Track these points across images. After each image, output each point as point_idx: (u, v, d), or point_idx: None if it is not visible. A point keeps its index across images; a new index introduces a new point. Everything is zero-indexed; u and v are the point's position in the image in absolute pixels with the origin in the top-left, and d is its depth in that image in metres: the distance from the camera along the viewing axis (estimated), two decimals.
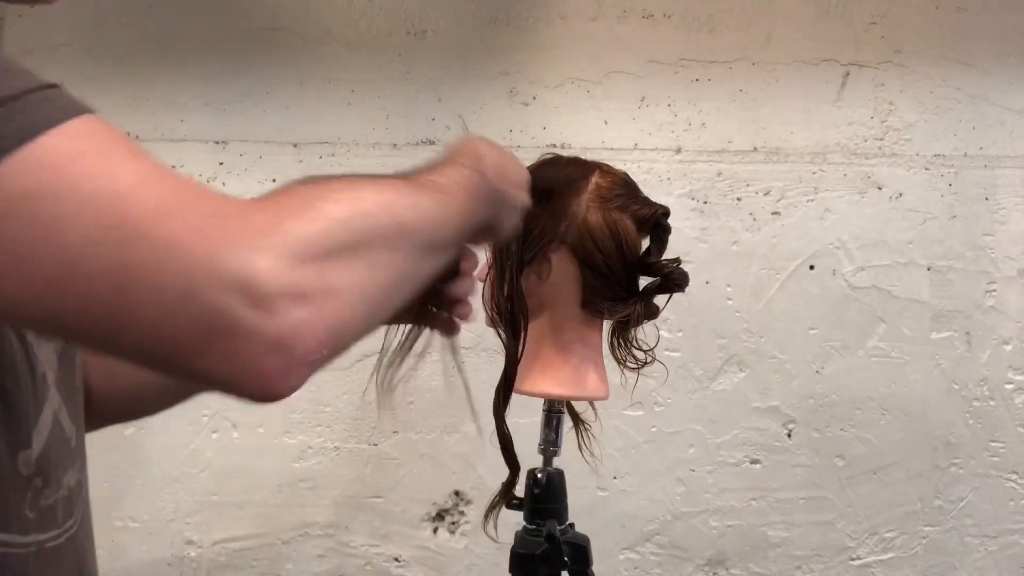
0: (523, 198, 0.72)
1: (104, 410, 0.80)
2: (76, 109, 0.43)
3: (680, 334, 1.48)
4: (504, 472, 0.92)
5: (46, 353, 0.61)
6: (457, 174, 0.60)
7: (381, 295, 0.49)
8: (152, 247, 0.40)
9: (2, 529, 0.55)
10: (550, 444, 0.94)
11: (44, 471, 0.59)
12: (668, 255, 0.92)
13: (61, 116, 0.42)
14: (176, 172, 0.45)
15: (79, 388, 0.69)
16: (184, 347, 0.42)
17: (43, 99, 0.42)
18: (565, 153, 0.96)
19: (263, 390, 0.44)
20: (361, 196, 0.49)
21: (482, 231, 0.67)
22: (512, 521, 0.96)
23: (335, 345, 0.46)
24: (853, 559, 1.51)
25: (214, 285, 0.41)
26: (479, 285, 0.84)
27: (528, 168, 0.89)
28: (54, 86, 0.44)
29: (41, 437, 0.59)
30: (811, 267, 1.49)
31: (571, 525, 0.96)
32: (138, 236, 0.40)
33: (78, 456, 0.66)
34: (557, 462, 0.96)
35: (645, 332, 0.94)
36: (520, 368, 0.89)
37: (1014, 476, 1.50)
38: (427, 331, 0.84)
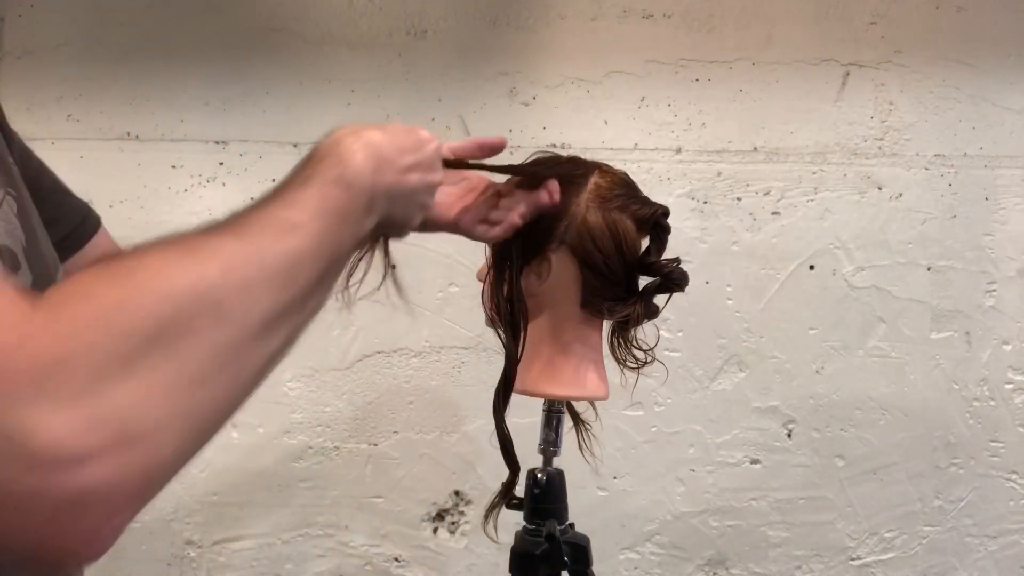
0: (420, 178, 0.63)
1: None
2: None
3: (680, 334, 1.48)
4: (504, 472, 0.92)
5: None
6: (312, 196, 0.51)
7: (208, 411, 0.41)
8: None
9: None
10: (550, 444, 0.94)
11: None
12: (668, 255, 0.91)
13: None
14: None
15: None
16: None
17: None
18: (565, 153, 0.95)
19: (55, 562, 0.36)
20: (172, 287, 0.39)
21: (379, 231, 0.60)
22: (512, 521, 0.96)
23: (143, 499, 0.38)
24: (853, 559, 1.51)
25: None
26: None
27: (523, 164, 0.89)
28: None
29: None
30: (811, 267, 1.49)
31: (571, 525, 0.96)
32: None
33: None
34: (557, 462, 0.96)
35: (645, 332, 0.94)
36: (520, 368, 0.89)
37: (1014, 476, 1.50)
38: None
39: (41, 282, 0.63)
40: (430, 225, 0.81)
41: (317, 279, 0.49)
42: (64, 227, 0.76)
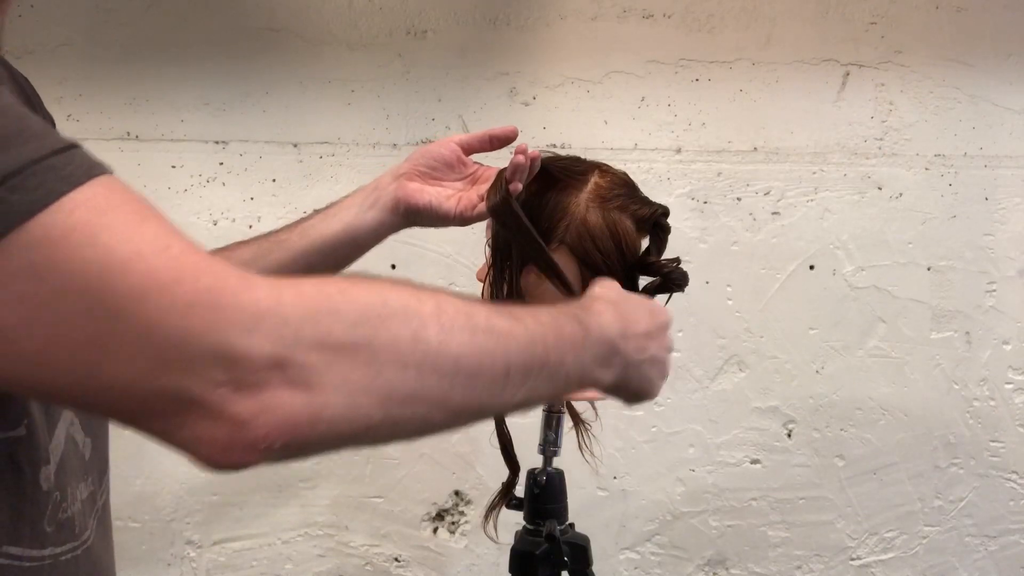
0: (656, 347, 0.66)
1: None
2: (76, 179, 0.42)
3: (680, 334, 1.48)
4: (504, 472, 0.92)
5: None
6: (547, 316, 0.55)
7: (379, 409, 0.45)
8: (131, 327, 0.40)
9: (16, 543, 0.56)
10: (550, 444, 0.94)
11: (61, 485, 0.60)
12: (668, 255, 0.91)
13: (59, 190, 0.41)
14: (185, 241, 0.44)
15: None
16: (147, 417, 0.43)
17: (47, 169, 0.42)
18: (565, 153, 0.95)
19: (215, 459, 0.43)
20: (387, 300, 0.46)
21: (606, 389, 0.63)
22: (512, 521, 0.96)
23: (302, 439, 0.44)
24: (853, 559, 1.51)
25: (187, 365, 0.41)
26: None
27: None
28: (66, 149, 0.43)
29: (57, 452, 0.60)
30: (811, 267, 1.49)
31: (571, 525, 0.96)
32: (118, 314, 0.40)
33: (93, 468, 0.66)
34: (557, 462, 0.96)
35: None
36: None
37: (1014, 476, 1.50)
38: None
39: None
40: (443, 220, 0.85)
41: (518, 375, 0.52)
42: None
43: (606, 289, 0.65)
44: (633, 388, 0.65)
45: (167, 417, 0.42)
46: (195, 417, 0.42)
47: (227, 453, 0.43)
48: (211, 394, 0.41)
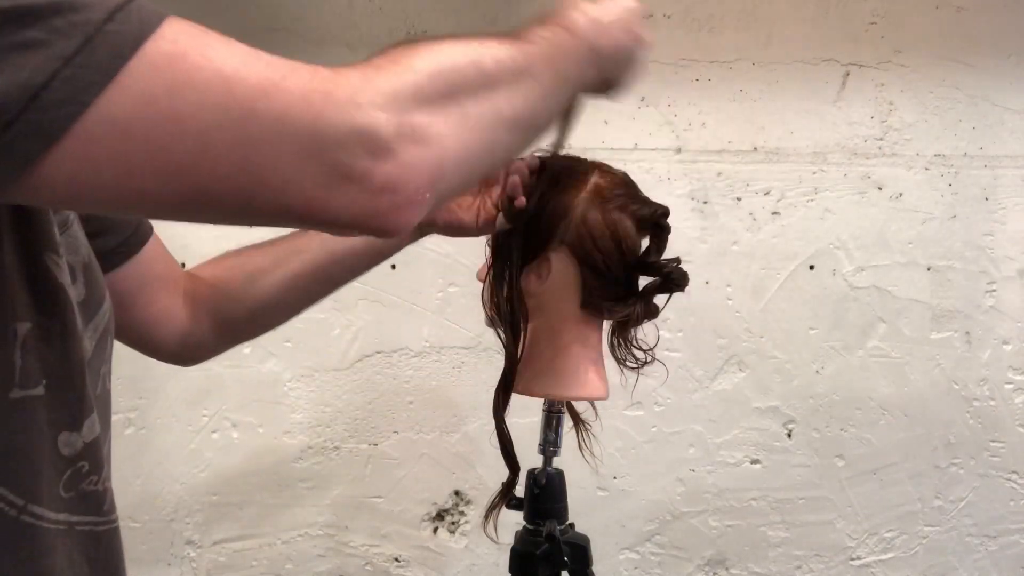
0: (630, 40, 0.71)
1: (177, 355, 0.88)
2: (161, 15, 0.47)
3: (680, 334, 1.48)
4: (504, 472, 0.92)
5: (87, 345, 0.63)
6: (546, 32, 0.63)
7: (477, 141, 0.54)
8: (265, 122, 0.46)
9: (34, 501, 0.57)
10: (550, 444, 0.94)
11: (94, 458, 0.62)
12: (668, 255, 0.91)
13: (155, 22, 0.45)
14: (264, 52, 0.49)
15: (103, 396, 0.70)
16: (310, 201, 0.48)
17: (138, 9, 0.45)
18: (565, 153, 0.95)
19: (384, 226, 0.50)
20: (446, 52, 0.54)
21: (594, 85, 0.69)
22: (512, 521, 0.96)
23: (438, 184, 0.51)
24: (853, 559, 1.51)
25: (325, 144, 0.47)
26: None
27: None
28: None
29: (93, 428, 0.61)
30: (811, 267, 1.49)
31: (571, 525, 0.96)
32: (250, 113, 0.45)
33: (103, 455, 0.67)
34: (557, 462, 0.96)
35: (645, 332, 0.94)
36: (520, 368, 0.89)
37: (1014, 476, 1.50)
38: None
39: (92, 301, 0.66)
40: (448, 229, 0.88)
41: (550, 82, 0.61)
42: (121, 233, 0.80)
43: (571, 5, 0.70)
44: (609, 82, 0.72)
45: (328, 198, 0.48)
46: (352, 190, 0.48)
47: (393, 215, 0.50)
48: (356, 166, 0.47)
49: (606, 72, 0.69)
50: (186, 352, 0.91)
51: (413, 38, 0.55)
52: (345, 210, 0.49)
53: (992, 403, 1.49)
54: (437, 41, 0.55)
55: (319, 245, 0.88)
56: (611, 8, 0.70)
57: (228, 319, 0.89)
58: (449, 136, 0.51)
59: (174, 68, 0.45)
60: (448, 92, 0.52)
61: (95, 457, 0.62)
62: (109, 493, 0.64)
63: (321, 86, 0.47)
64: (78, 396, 0.60)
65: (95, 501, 0.62)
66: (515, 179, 0.84)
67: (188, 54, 0.45)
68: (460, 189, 0.56)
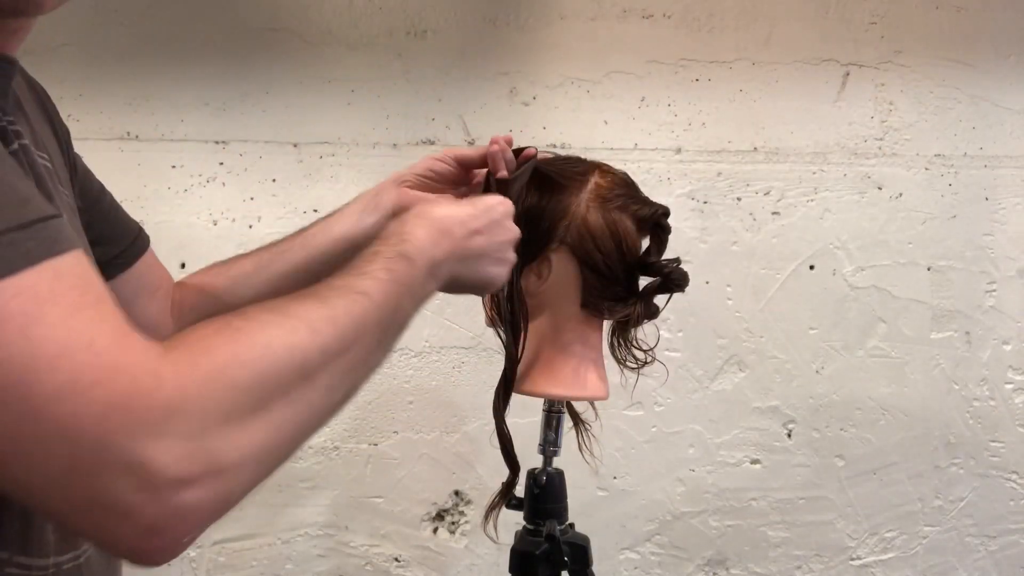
0: (486, 240, 0.71)
1: None
2: (32, 258, 0.42)
3: (680, 334, 1.48)
4: (504, 472, 0.92)
5: None
6: (379, 269, 0.59)
7: (281, 450, 0.50)
8: (46, 428, 0.41)
9: (25, 553, 0.56)
10: (550, 444, 0.94)
11: None
12: (668, 255, 0.92)
13: (15, 265, 0.41)
14: (108, 330, 0.44)
15: None
16: (69, 515, 0.44)
17: (6, 244, 0.42)
18: (565, 153, 0.95)
19: (139, 561, 0.45)
20: (270, 351, 0.48)
21: (456, 290, 0.69)
22: (512, 521, 0.96)
23: (216, 517, 0.47)
24: (853, 559, 1.51)
25: (99, 468, 0.42)
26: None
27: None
28: (34, 223, 0.43)
29: None
30: (811, 267, 1.49)
31: (571, 525, 0.96)
32: (36, 414, 0.41)
33: None
34: (557, 462, 0.96)
35: (645, 332, 0.94)
36: (520, 368, 0.89)
37: (1014, 476, 1.50)
38: None
39: None
40: None
41: (380, 338, 0.58)
42: (118, 245, 0.81)
43: (422, 208, 0.69)
44: (468, 285, 0.71)
45: (86, 522, 0.43)
46: (115, 521, 0.43)
47: (149, 555, 0.45)
48: (124, 501, 0.42)
49: (457, 279, 0.69)
50: None
51: (242, 313, 0.50)
52: (99, 535, 0.45)
53: (992, 403, 1.49)
54: (263, 325, 0.50)
55: (300, 245, 0.88)
56: (465, 211, 0.70)
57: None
58: (250, 460, 0.47)
59: None
60: (264, 404, 0.47)
61: None
62: None
63: (128, 402, 0.42)
64: None
65: (72, 537, 0.61)
66: (493, 148, 0.83)
67: (6, 324, 0.40)
68: (256, 487, 0.50)
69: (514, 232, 0.76)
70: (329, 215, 0.90)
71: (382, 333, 0.57)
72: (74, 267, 0.44)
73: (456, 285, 0.70)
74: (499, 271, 0.74)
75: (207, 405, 0.45)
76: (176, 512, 0.44)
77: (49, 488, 0.42)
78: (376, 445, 1.49)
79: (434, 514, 1.50)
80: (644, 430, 1.49)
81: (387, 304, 0.58)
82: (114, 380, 0.42)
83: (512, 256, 0.76)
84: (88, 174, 0.80)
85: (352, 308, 0.55)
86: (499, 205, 0.74)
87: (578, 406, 1.00)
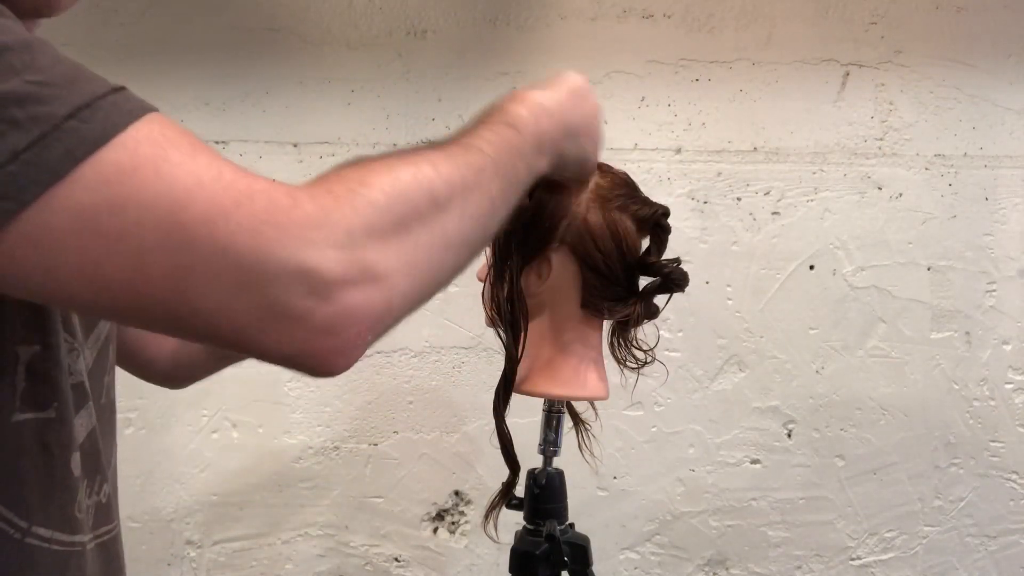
0: (580, 118, 0.72)
1: (168, 375, 0.88)
2: (136, 114, 0.45)
3: (680, 334, 1.48)
4: (504, 472, 0.92)
5: (81, 365, 0.62)
6: (489, 132, 0.62)
7: (427, 271, 0.52)
8: (206, 250, 0.44)
9: (45, 524, 0.57)
10: (550, 444, 0.94)
11: (90, 472, 0.61)
12: (668, 255, 0.92)
13: (122, 123, 0.44)
14: (230, 165, 0.47)
15: (107, 405, 0.69)
16: (243, 333, 0.46)
17: (110, 105, 0.44)
18: None
19: (320, 368, 0.48)
20: (399, 179, 0.51)
21: (563, 171, 0.71)
22: (512, 521, 0.96)
23: (384, 325, 0.50)
24: (853, 559, 1.51)
25: (267, 279, 0.44)
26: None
27: None
28: (119, 89, 0.46)
29: (79, 439, 0.61)
30: (811, 267, 1.49)
31: (571, 525, 0.96)
32: (193, 240, 0.43)
33: (108, 466, 0.67)
34: (557, 462, 0.96)
35: (645, 332, 0.94)
36: (520, 368, 0.89)
37: (1014, 476, 1.50)
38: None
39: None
40: None
41: (501, 188, 0.59)
42: None
43: (517, 93, 0.70)
44: (573, 162, 0.73)
45: (262, 333, 0.46)
46: (289, 329, 0.46)
47: (330, 358, 0.47)
48: (297, 306, 0.45)
49: (562, 156, 0.70)
50: (179, 372, 0.91)
51: (362, 158, 0.53)
52: (278, 347, 0.47)
53: (992, 403, 1.49)
54: (387, 163, 0.53)
55: None
56: (555, 91, 0.71)
57: None
58: (400, 271, 0.49)
59: (123, 183, 0.43)
60: (401, 223, 0.50)
61: (90, 470, 0.61)
62: (96, 507, 0.64)
63: (274, 218, 0.45)
64: (73, 415, 0.60)
65: (105, 513, 0.63)
66: None
67: (142, 168, 0.43)
68: (407, 316, 0.53)
69: (595, 105, 0.76)
70: None
71: (502, 182, 0.59)
72: (170, 121, 0.47)
73: (562, 163, 0.70)
74: (595, 148, 0.75)
75: (348, 218, 0.47)
76: (345, 311, 0.46)
77: (226, 311, 0.45)
78: (376, 445, 1.49)
79: (434, 514, 1.50)
80: (644, 430, 1.49)
81: (501, 159, 0.60)
82: (253, 201, 0.45)
83: (598, 132, 0.76)
84: None
85: (470, 157, 0.57)
86: (580, 81, 0.75)
87: (578, 406, 1.00)
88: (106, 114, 0.43)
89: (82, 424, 0.62)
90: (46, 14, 0.58)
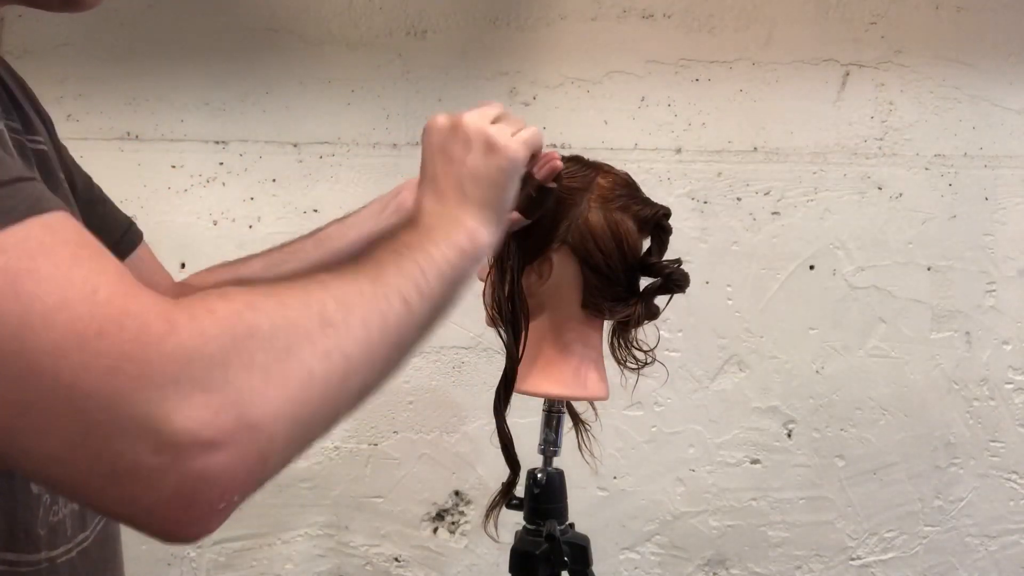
0: (461, 149, 0.66)
1: None
2: (16, 215, 0.39)
3: (680, 334, 1.48)
4: (504, 472, 0.92)
5: None
6: (382, 243, 0.56)
7: (321, 405, 0.45)
8: (47, 386, 0.37)
9: (12, 549, 0.55)
10: (550, 444, 0.94)
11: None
12: (668, 255, 0.92)
13: (4, 221, 0.38)
14: (114, 280, 0.40)
15: None
16: (81, 487, 0.40)
17: None
18: (565, 153, 0.95)
19: (170, 536, 0.41)
20: (285, 303, 0.45)
21: (491, 209, 0.64)
22: (512, 521, 0.96)
23: (255, 481, 0.42)
24: (853, 559, 1.51)
25: (114, 429, 0.38)
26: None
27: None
28: (12, 183, 0.40)
29: None
30: (811, 267, 1.49)
31: (571, 525, 0.96)
32: (33, 373, 0.37)
33: None
34: (557, 462, 0.96)
35: (645, 332, 0.94)
36: (520, 368, 0.89)
37: (1014, 476, 1.50)
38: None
39: None
40: None
41: (416, 288, 0.53)
42: (109, 236, 0.77)
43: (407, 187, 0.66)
44: (494, 185, 0.65)
45: (103, 491, 0.39)
46: (133, 490, 0.39)
47: (182, 527, 0.40)
48: (146, 464, 0.38)
49: (476, 185, 0.64)
50: None
51: (248, 280, 0.48)
52: (118, 508, 0.40)
53: (992, 403, 1.49)
54: (274, 288, 0.47)
55: (314, 245, 0.85)
56: (424, 160, 0.65)
57: None
58: (282, 416, 0.42)
59: None
60: (288, 352, 0.43)
61: None
62: (69, 516, 0.61)
63: (140, 352, 0.38)
64: None
65: (62, 530, 0.60)
66: (556, 164, 0.79)
67: (2, 275, 0.37)
68: (291, 462, 0.45)
69: (444, 122, 0.68)
70: (345, 216, 0.88)
71: (416, 277, 0.53)
72: (65, 223, 0.41)
73: (490, 197, 0.64)
74: (498, 151, 0.66)
75: (226, 350, 0.40)
76: (203, 476, 0.39)
77: (62, 459, 0.38)
78: (376, 445, 1.49)
79: (434, 514, 1.50)
80: (644, 430, 1.49)
81: (403, 256, 0.54)
82: (122, 328, 0.38)
83: (494, 139, 0.66)
84: (75, 163, 0.77)
85: (362, 268, 0.52)
86: (433, 122, 0.68)
87: (578, 406, 1.00)
88: None
89: None
90: (72, 9, 0.57)
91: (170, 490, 0.39)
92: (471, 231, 0.61)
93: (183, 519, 0.40)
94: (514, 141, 0.67)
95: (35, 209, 0.40)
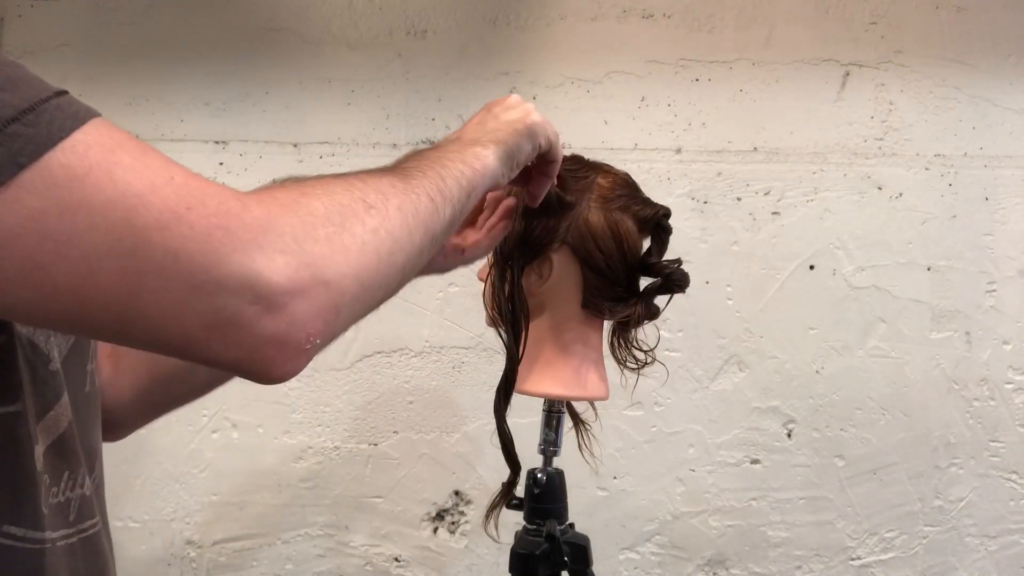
0: (500, 110, 0.76)
1: (116, 418, 0.81)
2: (82, 117, 0.44)
3: (680, 334, 1.48)
4: (504, 472, 0.92)
5: (55, 355, 0.62)
6: (410, 157, 0.65)
7: (375, 272, 0.52)
8: (158, 255, 0.44)
9: (16, 523, 0.56)
10: (550, 444, 0.94)
11: (52, 468, 0.60)
12: (668, 255, 0.92)
13: (70, 126, 0.43)
14: (179, 168, 0.47)
15: (92, 393, 0.68)
16: (191, 339, 0.46)
17: (54, 109, 0.44)
18: (565, 153, 0.95)
19: (266, 375, 0.48)
20: (332, 190, 0.53)
21: (506, 154, 0.71)
22: (512, 521, 0.96)
23: (332, 330, 0.50)
24: (853, 559, 1.51)
25: (217, 286, 0.44)
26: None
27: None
28: (62, 93, 0.45)
29: (48, 434, 0.60)
30: (811, 267, 1.49)
31: (571, 525, 0.96)
32: (144, 245, 0.43)
33: (95, 457, 0.66)
34: (557, 462, 0.96)
35: (645, 332, 0.94)
36: (521, 368, 0.89)
37: (1014, 476, 1.50)
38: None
39: None
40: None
41: (438, 190, 0.61)
42: None
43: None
44: (517, 132, 0.74)
45: (210, 340, 0.46)
46: (236, 336, 0.46)
47: (277, 365, 0.48)
48: (245, 312, 0.45)
49: (498, 131, 0.72)
50: (125, 421, 0.85)
51: (295, 177, 0.56)
52: (224, 354, 0.47)
53: (992, 403, 1.49)
54: (320, 180, 0.55)
55: None
56: (484, 121, 0.75)
57: (159, 375, 0.82)
58: (347, 275, 0.50)
59: (73, 187, 0.42)
60: (343, 227, 0.51)
61: (54, 466, 0.60)
62: (74, 501, 0.62)
63: (224, 222, 0.45)
64: (44, 407, 0.59)
65: (64, 513, 0.61)
66: (509, 204, 0.87)
67: (91, 172, 0.43)
68: (356, 321, 0.55)
69: (502, 101, 0.79)
70: None
71: (437, 181, 0.61)
72: (113, 125, 0.47)
73: (504, 138, 0.72)
74: (528, 113, 0.76)
75: (294, 224, 0.48)
76: (292, 319, 0.46)
77: (173, 315, 0.45)
78: (376, 445, 1.49)
79: (434, 514, 1.50)
80: (644, 430, 1.49)
81: (426, 161, 0.63)
82: (204, 204, 0.45)
83: (525, 111, 0.77)
84: None
85: (394, 172, 0.60)
86: (488, 108, 0.79)
87: (578, 406, 1.00)
88: (51, 118, 0.43)
89: (55, 416, 0.60)
90: None
91: (267, 333, 0.46)
92: (482, 155, 0.68)
93: (278, 358, 0.47)
94: (544, 118, 0.77)
95: (92, 112, 0.46)
